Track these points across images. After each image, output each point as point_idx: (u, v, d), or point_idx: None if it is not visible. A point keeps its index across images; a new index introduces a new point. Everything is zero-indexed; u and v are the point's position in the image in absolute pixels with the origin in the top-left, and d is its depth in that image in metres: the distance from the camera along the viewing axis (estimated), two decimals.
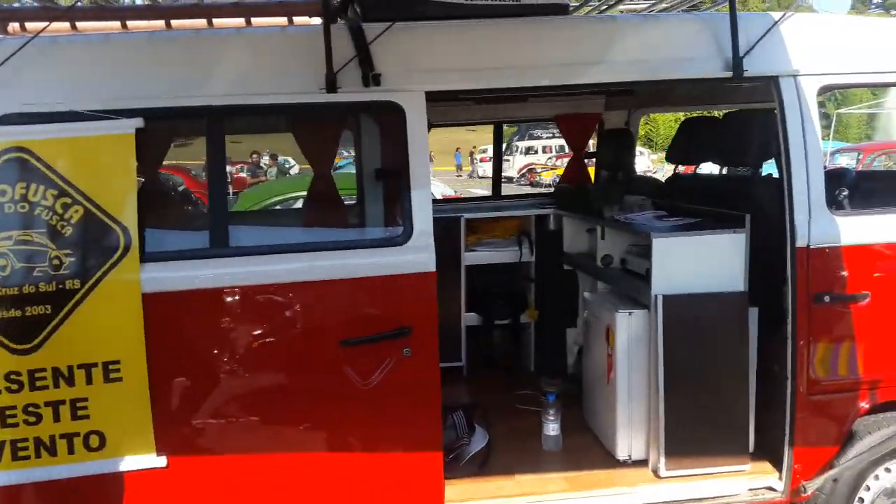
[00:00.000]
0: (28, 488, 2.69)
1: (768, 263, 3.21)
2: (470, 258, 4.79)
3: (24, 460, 2.66)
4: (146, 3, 3.66)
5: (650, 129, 40.45)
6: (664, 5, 4.25)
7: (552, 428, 3.66)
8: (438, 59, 2.96)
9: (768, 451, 3.29)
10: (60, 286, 2.63)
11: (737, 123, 3.62)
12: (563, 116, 5.13)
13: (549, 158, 31.29)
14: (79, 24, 3.33)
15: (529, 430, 3.80)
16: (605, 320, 3.59)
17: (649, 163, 26.51)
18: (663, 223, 3.63)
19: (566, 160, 5.54)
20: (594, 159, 5.35)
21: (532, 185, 27.47)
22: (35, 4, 3.34)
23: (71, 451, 2.70)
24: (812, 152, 3.07)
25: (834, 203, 3.13)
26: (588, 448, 3.66)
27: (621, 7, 4.33)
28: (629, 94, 4.82)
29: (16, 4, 4.46)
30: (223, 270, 2.75)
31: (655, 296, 3.23)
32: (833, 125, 22.64)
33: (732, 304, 3.23)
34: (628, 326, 3.40)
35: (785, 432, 3.13)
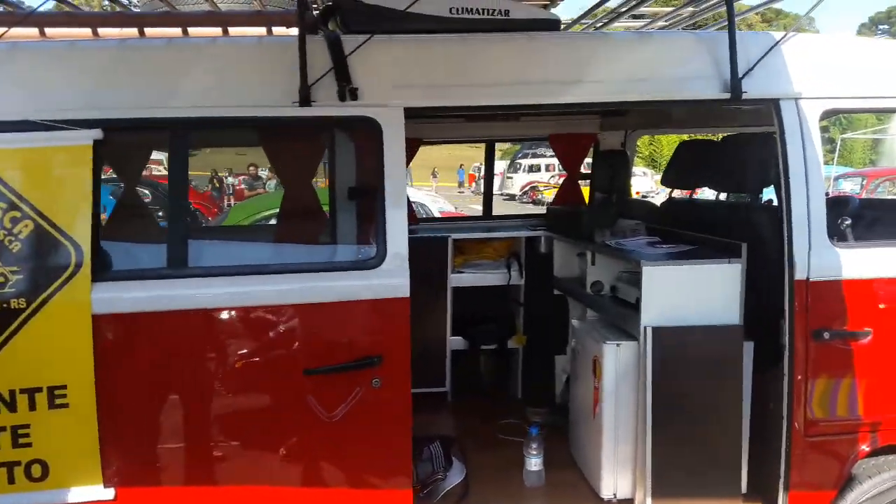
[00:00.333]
0: None
1: (765, 296, 3.05)
2: (457, 280, 4.63)
3: None
4: (119, 10, 3.52)
5: (654, 150, 40.35)
6: (662, 23, 4.11)
7: (535, 463, 3.48)
8: (419, 74, 2.81)
9: (762, 493, 3.11)
10: (4, 305, 2.46)
11: (735, 147, 3.46)
12: (556, 136, 4.99)
13: (552, 177, 31.21)
14: (48, 31, 3.19)
15: (512, 462, 3.62)
16: (592, 351, 3.41)
17: (653, 184, 26.36)
18: (656, 250, 3.47)
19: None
20: (589, 181, 5.19)
21: (535, 203, 27.38)
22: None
23: (11, 481, 2.52)
24: (813, 180, 2.91)
25: (836, 234, 2.96)
26: (572, 485, 3.48)
27: (617, 24, 4.19)
28: (625, 115, 4.67)
29: None
30: (178, 292, 2.59)
31: (645, 327, 3.06)
32: (837, 149, 22.53)
33: (726, 339, 3.05)
34: (616, 359, 3.23)
35: (780, 474, 2.95)
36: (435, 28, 2.87)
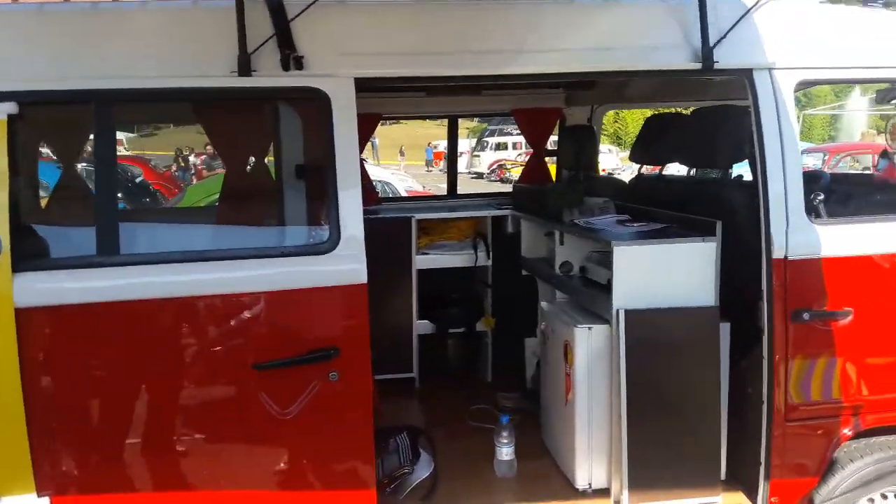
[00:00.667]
0: None
1: (741, 276, 2.92)
2: (421, 262, 4.45)
3: None
4: None
5: (619, 127, 40.45)
6: None
7: (506, 452, 3.32)
8: (371, 41, 2.59)
9: (742, 481, 3.01)
10: None
11: (706, 121, 3.32)
12: (520, 111, 4.80)
13: (519, 155, 31.08)
14: None
15: (482, 451, 3.47)
16: (562, 335, 3.26)
17: (618, 161, 26.41)
18: (626, 229, 3.32)
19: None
20: (555, 157, 5.02)
21: (502, 181, 27.27)
22: None
23: None
24: (789, 154, 2.78)
25: (812, 210, 2.82)
26: (545, 475, 3.34)
27: None
28: (591, 88, 4.50)
29: None
30: (107, 282, 2.35)
31: (617, 310, 2.91)
32: (800, 126, 22.73)
33: (702, 320, 2.93)
34: (588, 343, 3.08)
35: (760, 461, 2.85)
36: None
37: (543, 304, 3.67)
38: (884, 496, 2.93)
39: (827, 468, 2.89)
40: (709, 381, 2.93)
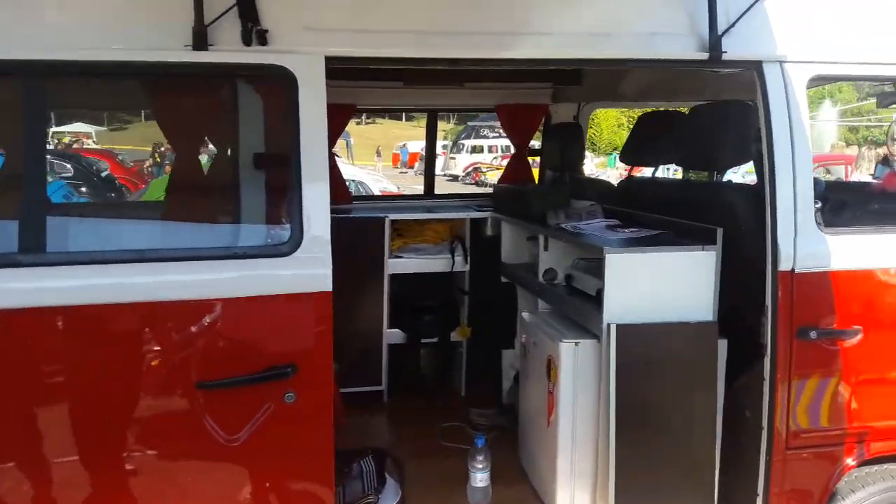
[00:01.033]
0: None
1: (742, 288, 2.68)
2: (394, 266, 4.17)
3: None
4: None
5: (593, 133, 40.43)
6: None
7: (480, 478, 3.05)
8: (345, 16, 2.30)
9: None
10: None
11: (708, 118, 3.07)
12: (504, 107, 4.53)
13: (495, 158, 30.88)
14: None
15: (455, 475, 3.20)
16: (546, 349, 2.99)
17: (592, 167, 26.34)
18: (616, 235, 3.06)
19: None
20: (539, 157, 4.76)
21: (477, 184, 27.07)
22: None
23: None
24: (800, 155, 2.55)
25: (822, 219, 2.60)
26: (523, 501, 3.11)
27: None
28: (579, 83, 4.23)
29: None
30: (26, 284, 2.02)
31: (608, 324, 2.64)
32: None
33: (699, 337, 2.68)
34: (574, 360, 2.82)
35: (757, 491, 2.62)
36: None
37: (525, 314, 3.40)
38: None
39: (829, 499, 2.65)
40: (704, 403, 2.68)
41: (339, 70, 2.28)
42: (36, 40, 2.09)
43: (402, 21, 2.32)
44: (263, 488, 2.23)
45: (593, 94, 4.40)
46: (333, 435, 2.26)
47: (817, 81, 2.66)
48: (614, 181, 6.02)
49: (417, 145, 30.88)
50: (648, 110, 3.81)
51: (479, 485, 3.03)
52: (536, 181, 4.78)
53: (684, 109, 3.44)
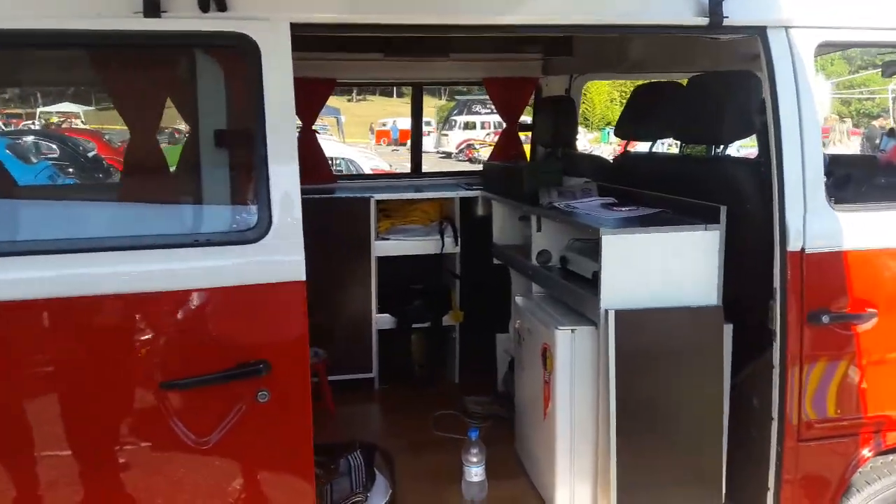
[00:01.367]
0: None
1: (748, 270, 2.53)
2: (381, 248, 4.00)
3: None
4: None
5: (586, 108, 40.03)
6: None
7: (475, 473, 2.89)
8: None
9: None
10: None
11: (708, 89, 2.87)
12: (492, 80, 4.33)
13: (488, 134, 30.56)
14: None
15: (448, 468, 3.06)
16: (541, 337, 2.82)
17: (586, 143, 26.06)
18: (613, 214, 2.89)
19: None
20: (530, 133, 4.56)
21: (471, 161, 26.82)
22: None
23: None
24: (809, 127, 2.38)
25: (834, 195, 2.42)
26: (520, 497, 2.96)
27: None
28: (570, 54, 4.02)
29: None
30: None
31: (606, 310, 2.48)
32: None
33: (703, 322, 2.53)
34: (571, 348, 2.66)
35: (768, 485, 2.46)
36: None
37: (518, 298, 3.23)
38: None
39: (844, 492, 2.51)
40: (710, 392, 2.54)
41: (316, 41, 2.08)
42: None
43: None
44: (237, 494, 2.06)
45: (585, 66, 4.20)
46: (312, 436, 2.09)
47: (825, 48, 2.48)
48: (609, 157, 5.82)
49: (392, 122, 30.66)
50: (643, 82, 3.60)
51: (474, 479, 2.88)
52: (528, 158, 4.59)
53: (683, 82, 3.23)
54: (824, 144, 3.85)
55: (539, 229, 3.24)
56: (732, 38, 2.47)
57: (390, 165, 15.34)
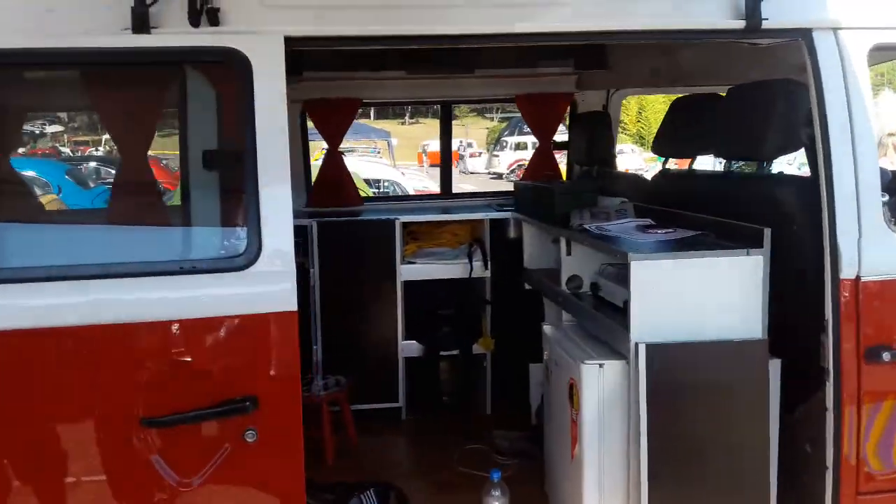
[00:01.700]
0: None
1: (797, 299, 2.29)
2: (408, 272, 3.85)
3: None
4: None
5: (641, 127, 39.41)
6: None
7: None
8: None
9: None
10: None
11: (748, 100, 2.64)
12: (525, 97, 4.15)
13: None
14: None
15: None
16: (567, 371, 2.61)
17: (641, 161, 25.55)
18: (648, 237, 2.66)
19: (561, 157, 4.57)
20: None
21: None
22: None
23: None
24: (863, 141, 2.15)
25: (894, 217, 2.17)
26: None
27: None
28: (605, 66, 3.82)
29: None
30: None
31: (636, 344, 2.26)
32: None
33: (746, 358, 2.29)
34: (599, 384, 2.43)
35: None
36: None
37: (546, 327, 3.02)
38: None
39: None
40: (754, 436, 2.30)
41: (340, 61, 1.95)
42: None
43: None
44: None
45: (623, 80, 3.99)
46: (304, 479, 1.93)
47: (880, 52, 2.24)
48: None
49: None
50: (682, 96, 3.37)
51: None
52: (564, 177, 4.38)
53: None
54: None
55: (569, 253, 3.03)
56: (774, 44, 2.24)
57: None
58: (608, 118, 3.98)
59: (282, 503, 1.93)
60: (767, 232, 2.28)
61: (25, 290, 1.79)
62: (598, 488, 2.45)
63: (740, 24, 2.11)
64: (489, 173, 29.61)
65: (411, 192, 11.72)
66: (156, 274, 1.85)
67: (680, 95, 3.44)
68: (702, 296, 2.30)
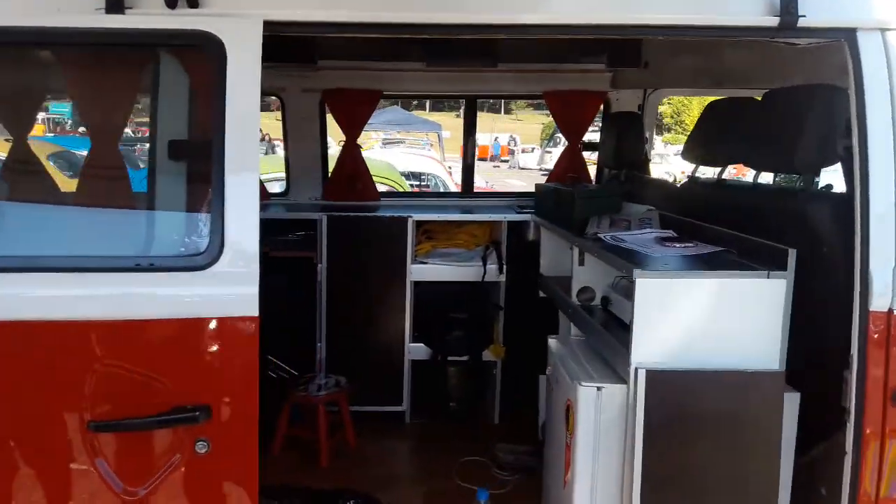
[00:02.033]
0: None
1: (820, 331, 2.07)
2: (418, 272, 3.70)
3: None
4: None
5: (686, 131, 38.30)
6: None
7: None
8: None
9: None
10: None
11: (781, 107, 2.39)
12: (554, 94, 3.94)
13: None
14: None
15: None
16: (565, 391, 2.42)
17: (687, 169, 24.77)
18: (664, 250, 2.45)
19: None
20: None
21: None
22: None
23: None
24: None
25: None
26: None
27: None
28: (637, 66, 3.59)
29: None
30: None
31: (636, 368, 2.05)
32: None
33: (759, 390, 2.08)
34: (597, 409, 2.24)
35: None
36: None
37: (552, 340, 2.83)
38: None
39: None
40: (762, 476, 2.08)
41: (359, 50, 1.80)
42: None
43: None
44: None
45: (660, 79, 3.74)
46: (258, 495, 1.79)
47: None
48: None
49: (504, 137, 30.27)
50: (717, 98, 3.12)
51: None
52: (594, 180, 4.17)
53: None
54: None
55: (581, 262, 2.84)
56: (814, 45, 2.00)
57: (486, 182, 15.04)
58: (639, 119, 3.75)
59: None
60: (792, 253, 2.05)
61: None
62: None
63: (773, 21, 1.88)
64: (541, 169, 29.26)
65: (452, 188, 11.53)
66: (111, 270, 1.74)
67: (716, 98, 3.19)
68: (714, 320, 2.09)
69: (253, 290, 1.74)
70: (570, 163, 4.10)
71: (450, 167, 15.52)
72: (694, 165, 3.09)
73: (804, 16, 1.87)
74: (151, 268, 1.74)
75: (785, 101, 2.37)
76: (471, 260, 3.75)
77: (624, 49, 3.51)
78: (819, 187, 2.80)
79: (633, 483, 2.08)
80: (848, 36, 1.91)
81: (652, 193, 3.38)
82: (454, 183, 12.29)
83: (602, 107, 4.04)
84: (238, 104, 1.75)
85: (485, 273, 3.67)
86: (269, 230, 4.03)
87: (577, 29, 1.95)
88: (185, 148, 1.90)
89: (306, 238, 3.76)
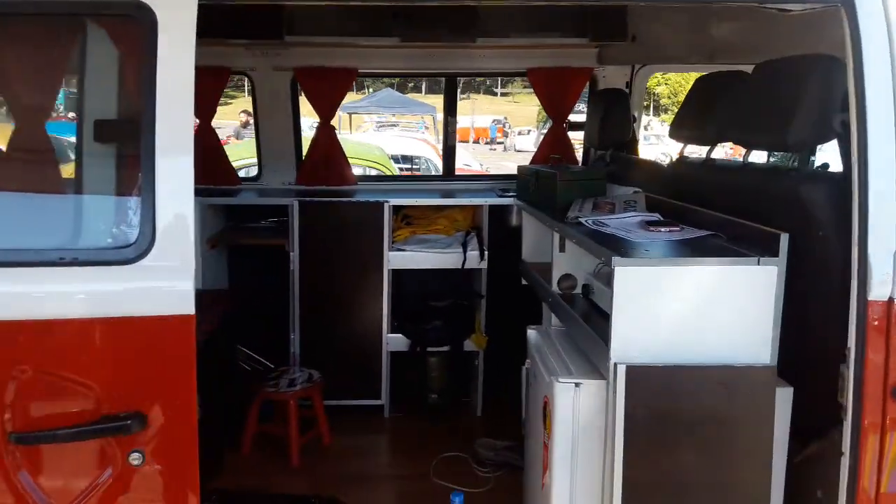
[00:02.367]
0: None
1: (815, 321, 1.95)
2: (395, 260, 3.54)
3: None
4: None
5: None
6: None
7: None
8: None
9: None
10: None
11: (771, 81, 2.22)
12: (538, 71, 3.76)
13: None
14: None
15: None
16: (542, 387, 2.27)
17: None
18: (648, 235, 2.29)
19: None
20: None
21: None
22: None
23: None
24: None
25: None
26: None
27: None
28: (624, 40, 3.41)
29: None
30: None
31: (615, 364, 1.90)
32: None
33: (748, 386, 1.94)
34: (573, 407, 2.10)
35: None
36: None
37: (531, 331, 2.68)
38: None
39: None
40: (753, 478, 1.95)
41: (333, 26, 1.62)
42: None
43: None
44: None
45: (648, 55, 3.56)
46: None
47: None
48: None
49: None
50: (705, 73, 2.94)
51: None
52: (581, 161, 4.00)
53: None
54: None
55: (562, 249, 2.69)
56: (808, 10, 1.84)
57: (481, 164, 14.83)
58: (625, 96, 3.57)
59: None
60: (785, 238, 1.90)
61: None
62: None
63: None
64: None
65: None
66: (29, 264, 1.57)
67: (704, 73, 3.02)
68: (700, 310, 1.95)
69: (188, 285, 1.57)
70: (556, 143, 3.92)
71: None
72: (682, 145, 2.93)
73: None
74: (76, 262, 1.57)
75: (777, 74, 2.20)
76: (451, 246, 3.59)
77: (610, 22, 3.33)
78: (815, 167, 2.64)
79: (612, 485, 1.93)
80: (845, 2, 1.75)
81: (639, 175, 3.22)
82: (479, 165, 12.08)
83: (588, 84, 3.86)
84: (170, 79, 1.58)
85: (465, 260, 3.51)
86: (241, 217, 3.87)
87: None
88: (113, 128, 1.73)
89: (279, 225, 3.59)
